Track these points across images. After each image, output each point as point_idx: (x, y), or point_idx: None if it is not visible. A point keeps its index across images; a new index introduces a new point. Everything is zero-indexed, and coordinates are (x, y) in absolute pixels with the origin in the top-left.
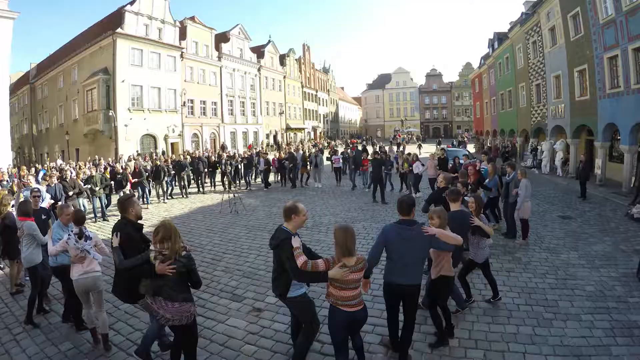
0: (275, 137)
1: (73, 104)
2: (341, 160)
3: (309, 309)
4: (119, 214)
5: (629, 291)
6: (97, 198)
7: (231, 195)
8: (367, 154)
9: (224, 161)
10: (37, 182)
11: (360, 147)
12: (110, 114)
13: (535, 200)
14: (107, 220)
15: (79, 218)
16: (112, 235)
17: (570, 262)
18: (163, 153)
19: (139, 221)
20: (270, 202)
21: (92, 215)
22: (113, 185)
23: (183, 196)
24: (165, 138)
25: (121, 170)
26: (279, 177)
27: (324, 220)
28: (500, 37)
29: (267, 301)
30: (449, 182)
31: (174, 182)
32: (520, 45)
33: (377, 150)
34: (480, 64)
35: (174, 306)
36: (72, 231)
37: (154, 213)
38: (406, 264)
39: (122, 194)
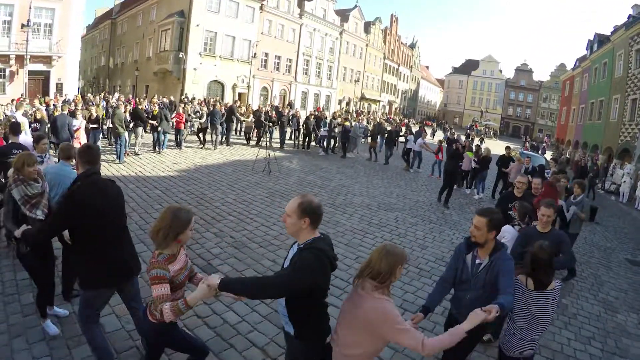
0: (348, 104)
1: (148, 42)
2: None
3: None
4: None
5: None
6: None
7: (269, 153)
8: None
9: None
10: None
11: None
12: (181, 55)
13: (604, 231)
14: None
15: None
16: None
17: (626, 329)
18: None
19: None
20: (310, 168)
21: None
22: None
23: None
24: (234, 87)
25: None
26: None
27: (355, 200)
28: (600, 40)
29: None
30: None
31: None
32: (622, 51)
33: (450, 137)
34: (574, 65)
35: None
36: None
37: (188, 158)
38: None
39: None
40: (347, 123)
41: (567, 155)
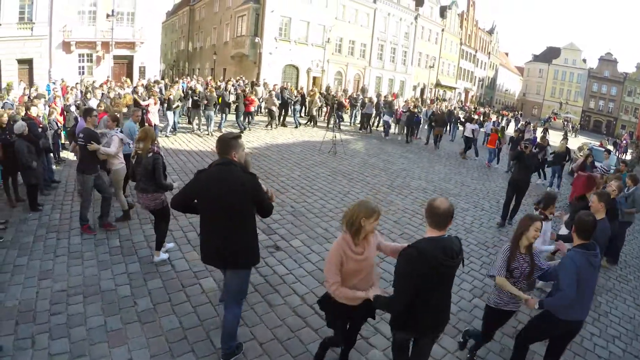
0: (422, 90)
1: (225, 27)
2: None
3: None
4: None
5: None
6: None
7: (336, 135)
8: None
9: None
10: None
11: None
12: (257, 40)
13: None
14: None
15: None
16: None
17: None
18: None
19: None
20: (375, 151)
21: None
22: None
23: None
24: (308, 71)
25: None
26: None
27: (412, 184)
28: None
29: (292, 244)
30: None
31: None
32: None
33: (520, 129)
34: None
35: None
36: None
37: (260, 137)
38: (588, 297)
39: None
40: (416, 109)
41: None
